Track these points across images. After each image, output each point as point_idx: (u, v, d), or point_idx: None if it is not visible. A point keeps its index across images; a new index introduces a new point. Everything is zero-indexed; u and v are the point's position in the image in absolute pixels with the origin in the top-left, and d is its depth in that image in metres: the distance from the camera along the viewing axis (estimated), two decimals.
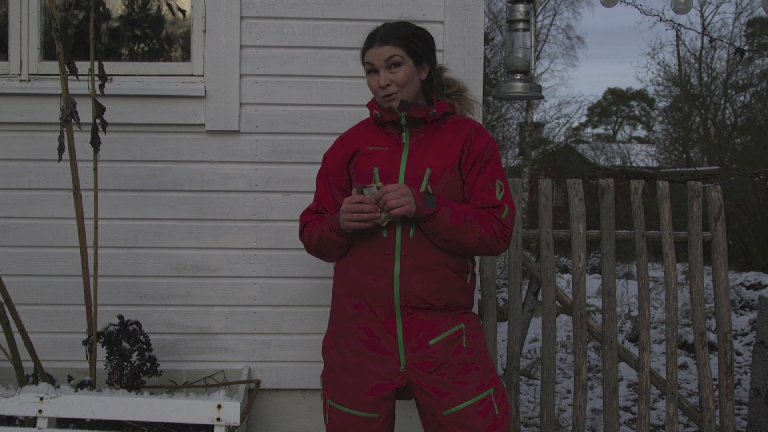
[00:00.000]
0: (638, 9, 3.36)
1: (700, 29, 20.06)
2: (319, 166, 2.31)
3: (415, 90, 2.14)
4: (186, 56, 3.04)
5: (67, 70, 2.46)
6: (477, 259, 2.41)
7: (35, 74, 2.93)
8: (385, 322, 2.08)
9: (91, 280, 2.54)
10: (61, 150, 2.42)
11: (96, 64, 2.51)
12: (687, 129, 19.50)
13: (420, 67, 2.15)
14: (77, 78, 2.51)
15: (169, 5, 2.67)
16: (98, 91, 2.53)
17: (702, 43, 20.21)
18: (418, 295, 2.06)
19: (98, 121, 2.50)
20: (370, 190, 2.00)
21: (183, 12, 2.70)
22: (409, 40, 2.13)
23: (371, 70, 2.13)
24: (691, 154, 19.02)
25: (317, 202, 2.27)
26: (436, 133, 2.14)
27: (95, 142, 2.50)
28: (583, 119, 31.25)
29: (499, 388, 2.14)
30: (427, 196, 2.03)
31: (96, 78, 2.51)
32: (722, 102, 19.34)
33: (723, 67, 19.58)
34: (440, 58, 2.94)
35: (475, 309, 2.97)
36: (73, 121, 2.44)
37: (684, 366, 5.89)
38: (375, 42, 2.12)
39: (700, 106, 19.41)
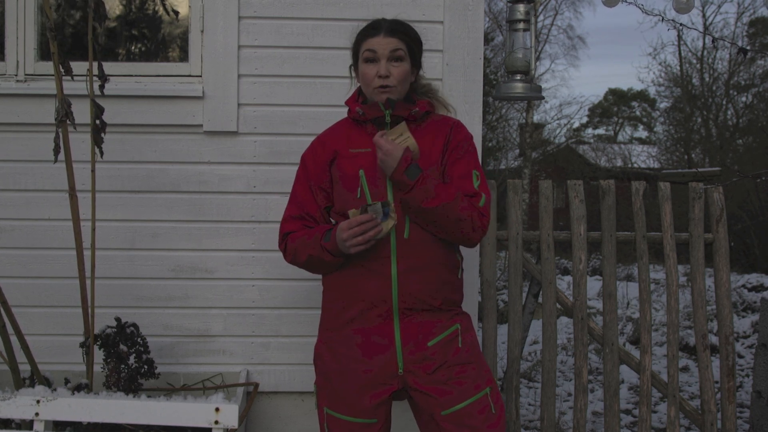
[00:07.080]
0: (640, 8, 3.33)
1: (701, 29, 20.04)
2: None
3: (405, 90, 2.13)
4: (184, 56, 3.03)
5: (62, 70, 2.44)
6: (466, 253, 2.38)
7: (32, 75, 2.91)
8: (382, 326, 2.06)
9: (89, 282, 2.52)
10: (56, 151, 2.40)
11: (95, 64, 2.49)
12: (688, 130, 19.49)
13: (413, 69, 2.15)
14: (72, 78, 2.49)
15: (163, 5, 2.65)
16: (97, 92, 2.51)
17: (704, 43, 20.20)
18: (417, 296, 2.05)
19: (97, 122, 2.47)
20: (374, 207, 1.96)
21: (176, 12, 2.68)
22: (412, 41, 2.13)
23: (370, 59, 2.09)
24: (693, 155, 19.00)
25: (299, 207, 2.16)
26: (417, 133, 2.12)
27: (98, 143, 2.46)
28: (584, 120, 31.24)
29: (494, 387, 2.13)
30: (414, 167, 1.98)
31: (95, 78, 2.49)
32: (724, 103, 19.33)
33: (725, 67, 19.60)
34: (440, 58, 2.93)
35: (473, 309, 2.97)
36: (68, 121, 2.42)
37: (685, 368, 5.87)
38: (381, 31, 2.09)
39: (701, 106, 19.40)
